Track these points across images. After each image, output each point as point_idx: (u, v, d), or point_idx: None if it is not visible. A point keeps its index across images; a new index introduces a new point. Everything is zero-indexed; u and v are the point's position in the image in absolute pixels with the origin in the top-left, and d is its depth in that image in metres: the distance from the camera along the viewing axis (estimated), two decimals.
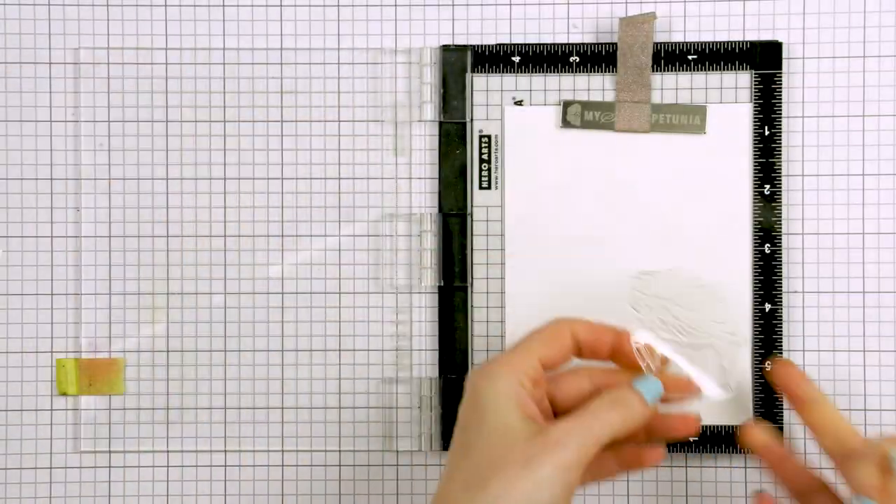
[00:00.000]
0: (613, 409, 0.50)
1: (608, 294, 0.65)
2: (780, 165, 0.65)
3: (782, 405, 0.65)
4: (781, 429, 0.64)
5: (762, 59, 0.65)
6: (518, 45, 0.66)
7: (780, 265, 0.65)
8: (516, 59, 0.66)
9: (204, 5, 0.67)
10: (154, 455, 0.66)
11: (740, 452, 0.65)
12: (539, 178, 0.66)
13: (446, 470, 0.50)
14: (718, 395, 0.58)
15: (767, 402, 0.65)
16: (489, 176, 0.66)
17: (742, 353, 0.65)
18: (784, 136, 0.65)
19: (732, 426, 0.65)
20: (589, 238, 0.65)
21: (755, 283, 0.65)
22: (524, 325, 0.65)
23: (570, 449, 0.47)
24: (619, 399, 0.51)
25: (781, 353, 0.65)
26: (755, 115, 0.65)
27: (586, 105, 0.65)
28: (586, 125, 0.65)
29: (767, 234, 0.65)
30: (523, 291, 0.66)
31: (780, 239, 0.65)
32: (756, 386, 0.65)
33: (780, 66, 0.65)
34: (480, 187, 0.66)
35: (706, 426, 0.65)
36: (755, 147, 0.65)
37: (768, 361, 0.63)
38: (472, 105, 0.66)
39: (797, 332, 0.65)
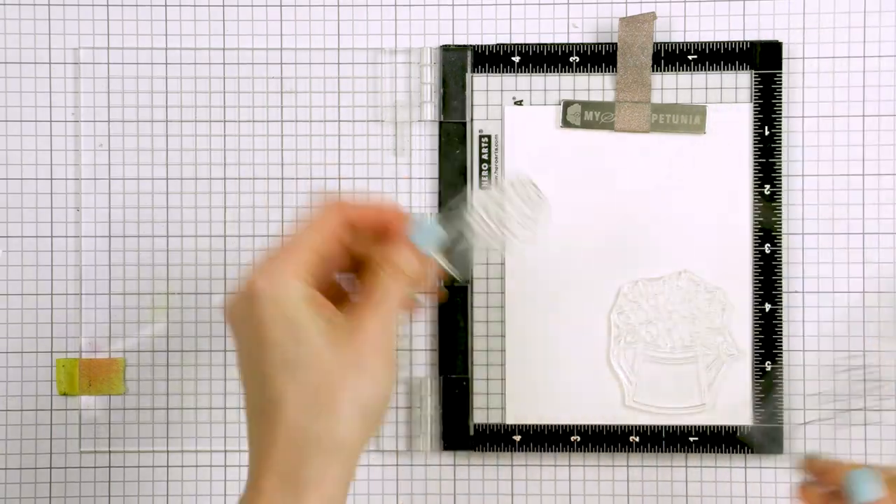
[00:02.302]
0: (400, 279, 0.48)
1: (607, 294, 0.66)
2: (780, 165, 0.65)
3: (782, 406, 0.65)
4: (781, 430, 0.65)
5: (762, 59, 0.65)
6: (518, 45, 0.66)
7: (780, 265, 0.65)
8: (516, 59, 0.66)
9: (204, 5, 0.67)
10: (154, 455, 0.67)
11: (740, 452, 0.65)
12: (539, 178, 0.65)
13: (262, 392, 0.46)
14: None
15: (767, 404, 0.65)
16: (489, 176, 0.66)
17: (739, 366, 0.65)
18: (784, 136, 0.65)
19: (732, 426, 0.65)
20: (589, 238, 0.65)
21: (755, 284, 0.65)
22: (524, 325, 0.66)
23: (386, 335, 0.46)
24: (401, 265, 0.48)
25: (781, 354, 0.65)
26: (755, 115, 0.65)
27: (586, 105, 0.65)
28: (586, 125, 0.65)
29: (767, 234, 0.65)
30: (523, 291, 0.66)
31: (780, 239, 0.65)
32: (756, 387, 0.65)
33: (780, 66, 0.65)
34: (480, 187, 0.66)
35: (706, 426, 0.65)
36: (755, 147, 0.65)
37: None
38: (472, 105, 0.66)
39: (797, 332, 0.65)
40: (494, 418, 0.66)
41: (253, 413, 0.47)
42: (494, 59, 0.66)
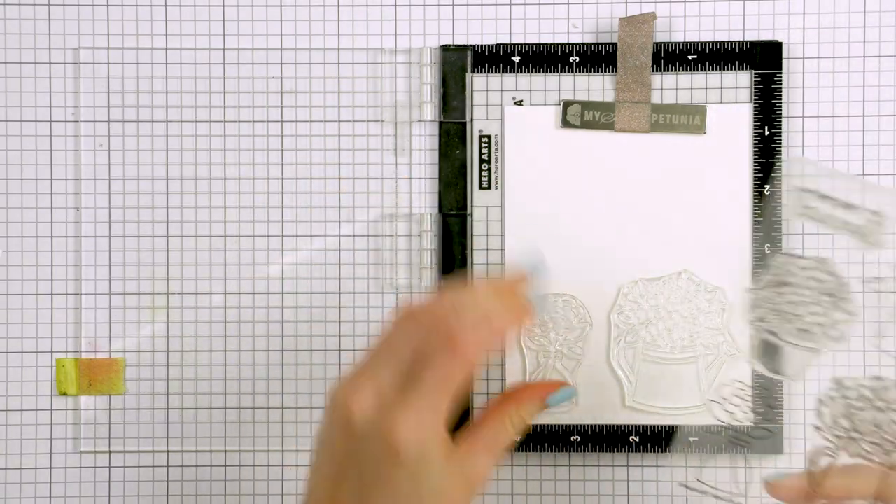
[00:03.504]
0: (519, 431, 0.52)
1: (607, 294, 0.66)
2: (780, 165, 0.65)
3: (782, 406, 0.65)
4: (781, 430, 0.65)
5: (762, 59, 0.65)
6: (518, 45, 0.66)
7: None
8: (516, 59, 0.66)
9: (204, 5, 0.67)
10: (154, 455, 0.67)
11: (740, 452, 0.65)
12: (539, 178, 0.66)
13: None
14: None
15: (767, 404, 0.65)
16: (489, 176, 0.66)
17: (739, 365, 0.65)
18: (784, 136, 0.65)
19: (732, 427, 0.65)
20: (589, 238, 0.65)
21: None
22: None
23: (484, 477, 0.49)
24: (528, 422, 0.53)
25: None
26: (755, 115, 0.65)
27: (586, 105, 0.65)
28: (586, 125, 0.65)
29: (767, 234, 0.65)
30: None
31: (780, 239, 0.65)
32: (756, 387, 0.65)
33: (780, 66, 0.65)
34: (480, 187, 0.66)
35: (706, 426, 0.65)
36: (755, 147, 0.65)
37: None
38: (472, 105, 0.66)
39: None
40: None
41: None
42: (494, 59, 0.66)
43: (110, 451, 0.67)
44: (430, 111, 0.66)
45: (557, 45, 0.66)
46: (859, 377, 0.54)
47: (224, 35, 0.67)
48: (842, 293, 0.52)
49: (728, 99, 0.65)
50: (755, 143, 0.65)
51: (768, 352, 0.53)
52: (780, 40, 0.65)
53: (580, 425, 0.65)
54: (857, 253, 0.60)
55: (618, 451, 0.65)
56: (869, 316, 0.64)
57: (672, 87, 0.65)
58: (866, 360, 0.65)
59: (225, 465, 0.66)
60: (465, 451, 0.49)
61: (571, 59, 0.66)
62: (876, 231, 0.51)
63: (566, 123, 0.65)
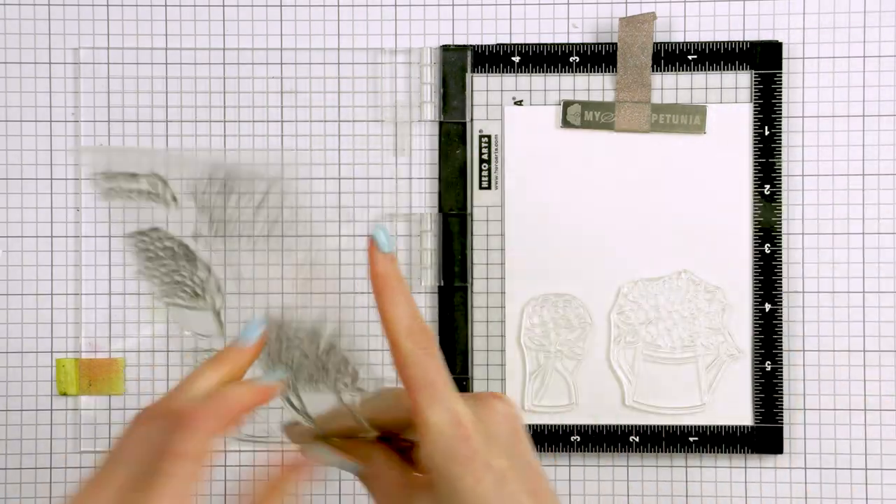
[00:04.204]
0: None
1: (607, 294, 0.66)
2: (780, 165, 0.65)
3: (782, 407, 0.65)
4: (781, 430, 0.65)
5: (762, 59, 0.65)
6: (518, 45, 0.66)
7: (780, 265, 0.65)
8: (516, 59, 0.66)
9: (204, 5, 0.67)
10: None
11: (740, 452, 0.65)
12: (539, 178, 0.66)
13: None
14: None
15: (767, 404, 0.65)
16: (489, 176, 0.66)
17: (739, 366, 0.65)
18: (784, 136, 0.65)
19: (732, 426, 0.65)
20: (589, 238, 0.65)
21: (755, 283, 0.65)
22: (523, 325, 0.65)
23: None
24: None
25: (781, 354, 0.65)
26: (755, 115, 0.65)
27: (586, 105, 0.65)
28: (586, 125, 0.65)
29: (767, 234, 0.65)
30: (523, 291, 0.66)
31: (780, 239, 0.65)
32: (756, 388, 0.65)
33: (780, 66, 0.65)
34: (480, 187, 0.66)
35: (706, 426, 0.65)
36: (755, 147, 0.65)
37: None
38: (472, 105, 0.66)
39: (797, 332, 0.65)
40: None
41: None
42: (494, 59, 0.66)
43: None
44: (430, 111, 0.66)
45: (557, 45, 0.66)
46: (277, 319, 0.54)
47: (224, 35, 0.67)
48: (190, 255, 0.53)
49: (728, 99, 0.65)
50: (755, 143, 0.65)
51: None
52: (780, 40, 0.65)
53: (580, 425, 0.65)
54: None
55: (618, 451, 0.65)
56: None
57: (672, 87, 0.65)
58: None
59: (225, 465, 0.66)
60: None
61: (571, 59, 0.66)
62: (164, 190, 0.52)
63: (566, 123, 0.65)
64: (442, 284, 0.66)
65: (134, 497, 0.44)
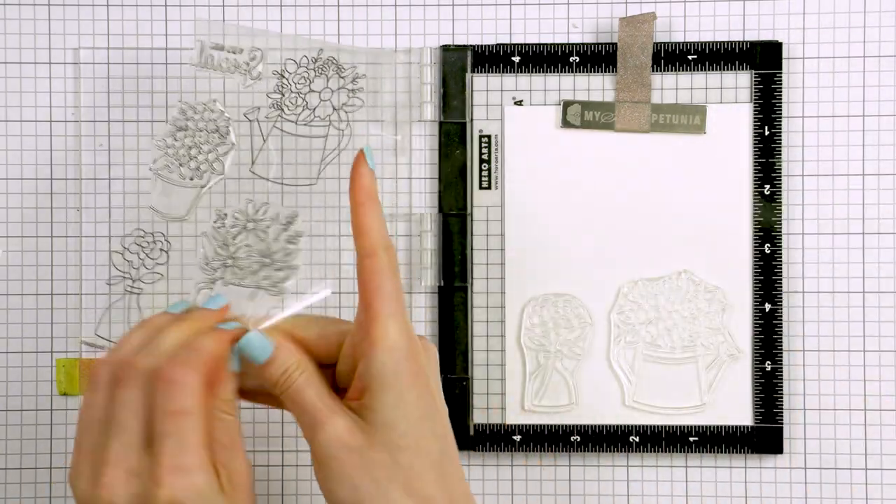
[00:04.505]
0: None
1: (607, 294, 0.66)
2: (780, 165, 0.65)
3: (782, 407, 0.65)
4: (781, 430, 0.65)
5: (762, 59, 0.65)
6: (518, 45, 0.66)
7: (780, 265, 0.65)
8: (516, 59, 0.66)
9: (204, 5, 0.67)
10: None
11: (740, 452, 0.65)
12: (539, 178, 0.66)
13: None
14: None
15: (767, 404, 0.65)
16: (489, 176, 0.66)
17: (739, 366, 0.65)
18: (784, 136, 0.65)
19: (732, 426, 0.65)
20: (589, 238, 0.65)
21: (755, 283, 0.65)
22: (523, 325, 0.65)
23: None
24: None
25: (781, 354, 0.65)
26: (755, 115, 0.65)
27: (586, 105, 0.65)
28: (586, 125, 0.65)
29: (767, 234, 0.65)
30: (523, 291, 0.66)
31: (780, 239, 0.65)
32: (756, 388, 0.65)
33: (780, 66, 0.65)
34: (480, 187, 0.66)
35: (706, 426, 0.65)
36: (755, 147, 0.65)
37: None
38: (472, 105, 0.66)
39: (797, 332, 0.65)
40: (494, 418, 0.66)
41: None
42: (494, 59, 0.66)
43: None
44: (430, 111, 0.66)
45: (557, 45, 0.66)
46: (242, 206, 0.60)
47: (224, 35, 0.67)
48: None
49: (728, 99, 0.65)
50: (755, 143, 0.65)
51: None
52: (780, 40, 0.65)
53: (580, 425, 0.65)
54: None
55: (618, 451, 0.65)
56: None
57: (672, 87, 0.65)
58: None
59: None
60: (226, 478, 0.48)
61: (571, 59, 0.66)
62: (257, 64, 0.60)
63: (566, 123, 0.65)
64: (442, 284, 0.66)
65: (147, 463, 0.45)
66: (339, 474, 0.48)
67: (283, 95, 0.61)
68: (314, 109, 0.62)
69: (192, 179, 0.63)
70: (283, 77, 0.61)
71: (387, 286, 0.48)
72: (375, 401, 0.48)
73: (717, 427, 0.65)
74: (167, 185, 0.63)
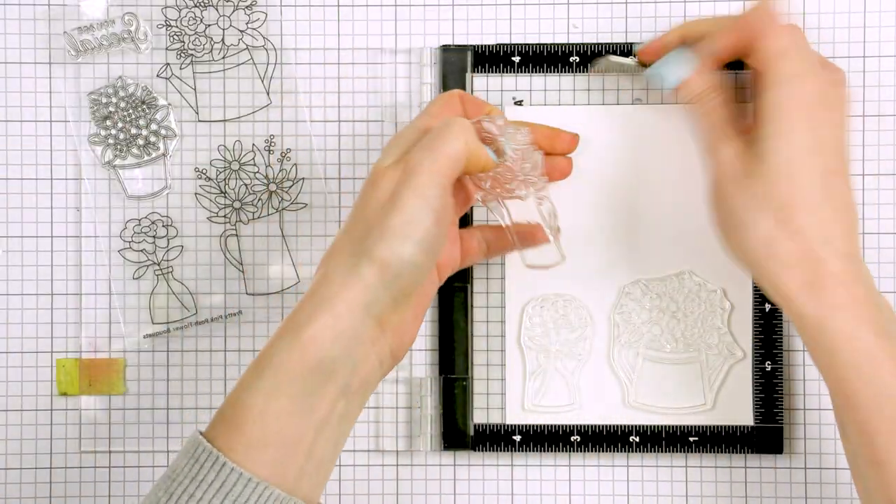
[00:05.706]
0: (452, 136, 0.53)
1: (608, 294, 0.66)
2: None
3: (782, 406, 0.65)
4: (781, 430, 0.65)
5: None
6: (518, 45, 0.66)
7: None
8: (516, 59, 0.66)
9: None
10: (154, 455, 0.67)
11: (740, 452, 0.65)
12: None
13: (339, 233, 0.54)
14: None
15: (767, 404, 0.65)
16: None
17: (740, 366, 0.65)
18: None
19: (732, 426, 0.65)
20: (589, 238, 0.65)
21: (755, 284, 0.65)
22: (524, 325, 0.65)
23: (422, 174, 0.51)
24: (451, 125, 0.53)
25: (781, 354, 0.65)
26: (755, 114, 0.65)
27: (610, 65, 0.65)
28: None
29: None
30: (523, 291, 0.66)
31: None
32: (756, 388, 0.65)
33: None
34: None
35: (707, 426, 0.65)
36: None
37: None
38: None
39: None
40: (494, 418, 0.66)
41: None
42: (494, 59, 0.66)
43: (110, 451, 0.67)
44: None
45: (557, 45, 0.66)
46: (215, 155, 0.65)
47: (223, 35, 0.67)
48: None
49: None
50: None
51: None
52: None
53: (580, 425, 0.65)
54: None
55: (618, 451, 0.65)
56: None
57: None
58: None
59: None
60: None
61: (571, 59, 0.66)
62: (136, 29, 0.64)
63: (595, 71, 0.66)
64: (442, 284, 0.66)
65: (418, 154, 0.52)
66: (720, 198, 0.57)
67: (184, 43, 0.63)
68: (223, 40, 0.64)
69: (149, 154, 0.64)
70: (172, 27, 0.63)
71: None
72: (762, 129, 0.55)
73: (718, 427, 0.65)
74: (131, 170, 0.65)
